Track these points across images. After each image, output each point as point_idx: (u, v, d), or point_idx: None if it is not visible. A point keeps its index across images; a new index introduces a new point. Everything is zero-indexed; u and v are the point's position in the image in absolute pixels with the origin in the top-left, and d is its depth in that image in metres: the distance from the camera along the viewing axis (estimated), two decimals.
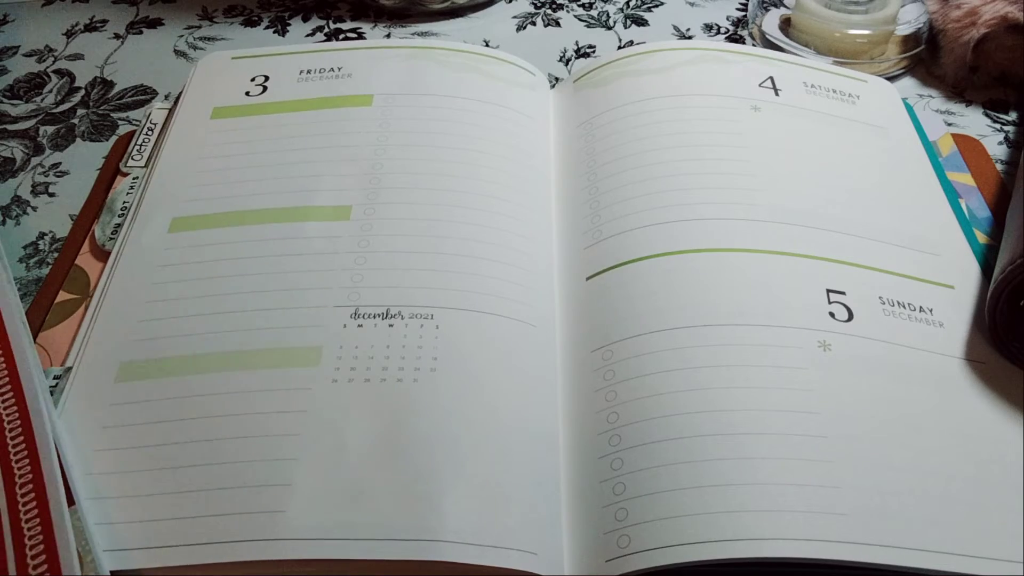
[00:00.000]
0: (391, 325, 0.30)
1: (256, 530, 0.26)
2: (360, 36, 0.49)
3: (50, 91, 0.46)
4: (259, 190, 0.35)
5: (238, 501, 0.26)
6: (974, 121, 0.42)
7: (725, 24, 0.50)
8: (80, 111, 0.44)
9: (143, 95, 0.45)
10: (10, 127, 0.43)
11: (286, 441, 0.28)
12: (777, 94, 0.39)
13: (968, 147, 0.39)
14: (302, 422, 0.28)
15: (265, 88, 0.40)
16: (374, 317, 0.31)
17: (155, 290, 0.32)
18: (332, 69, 0.41)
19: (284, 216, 0.34)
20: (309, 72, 0.41)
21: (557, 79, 0.45)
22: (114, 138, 0.43)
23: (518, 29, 0.50)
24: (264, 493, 0.26)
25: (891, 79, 0.44)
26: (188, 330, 0.31)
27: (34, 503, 0.26)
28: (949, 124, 0.42)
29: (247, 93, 0.40)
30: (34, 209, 0.39)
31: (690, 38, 0.49)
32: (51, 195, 0.40)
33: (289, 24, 0.50)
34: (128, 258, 0.34)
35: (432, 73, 0.40)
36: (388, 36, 0.49)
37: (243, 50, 0.43)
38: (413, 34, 0.49)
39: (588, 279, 0.33)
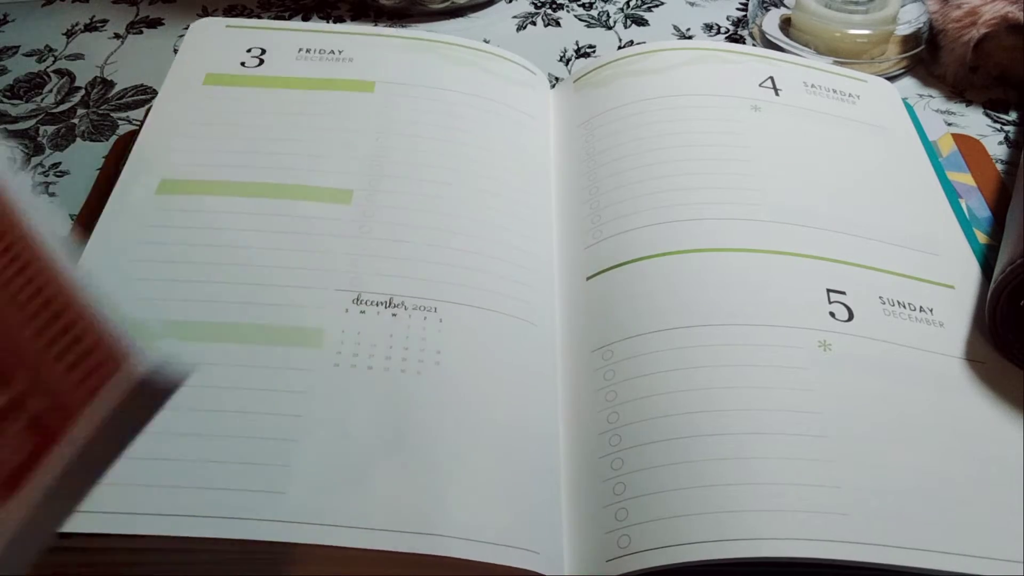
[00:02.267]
0: (394, 315, 0.30)
1: (254, 508, 0.25)
2: None
3: (50, 91, 0.46)
4: (254, 163, 0.35)
5: (234, 476, 0.26)
6: (974, 121, 0.42)
7: (725, 24, 0.50)
8: (80, 111, 0.44)
9: (143, 95, 0.45)
10: (10, 127, 0.43)
11: (285, 421, 0.27)
12: (777, 94, 0.39)
13: (968, 147, 0.39)
14: (302, 403, 0.28)
15: (262, 61, 0.39)
16: (377, 305, 0.30)
17: (142, 250, 0.31)
18: (332, 51, 0.40)
19: (281, 192, 0.34)
20: (308, 51, 0.40)
21: (557, 79, 0.45)
22: (114, 138, 0.43)
23: (518, 29, 0.50)
24: (262, 471, 0.26)
25: (891, 79, 0.44)
26: (180, 296, 0.30)
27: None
28: (949, 124, 0.42)
29: (242, 64, 0.39)
30: None
31: (690, 38, 0.49)
32: (51, 195, 0.40)
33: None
34: (111, 216, 0.33)
35: (434, 66, 0.40)
36: None
37: (239, 19, 0.42)
38: None
39: (588, 279, 0.33)
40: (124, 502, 0.25)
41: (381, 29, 0.42)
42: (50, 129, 0.43)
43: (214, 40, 0.40)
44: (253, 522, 0.25)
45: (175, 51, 0.48)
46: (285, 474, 0.26)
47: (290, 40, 0.40)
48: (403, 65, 0.39)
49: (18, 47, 0.49)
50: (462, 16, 0.51)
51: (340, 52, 0.40)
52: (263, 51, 0.40)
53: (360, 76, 0.39)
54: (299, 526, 0.25)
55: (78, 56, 0.48)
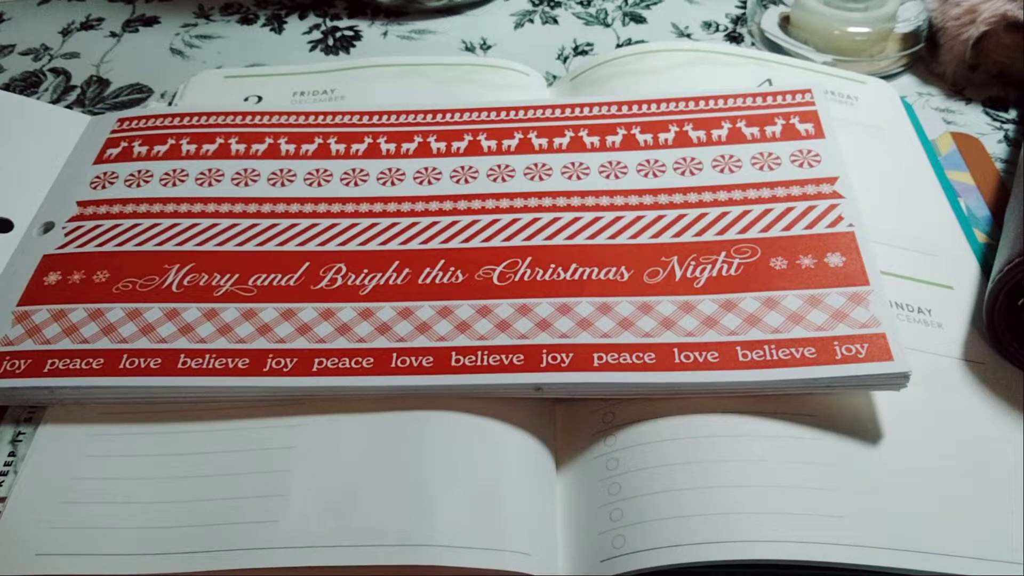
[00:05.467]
0: None
1: (249, 540, 0.26)
2: (357, 34, 0.49)
3: (46, 90, 0.45)
4: None
5: (232, 512, 0.26)
6: (973, 119, 0.42)
7: (724, 22, 0.49)
8: (76, 110, 0.44)
9: (139, 93, 0.45)
10: None
11: (279, 454, 0.28)
12: None
13: (967, 145, 0.39)
14: (296, 435, 0.28)
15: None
16: None
17: None
18: (325, 91, 0.41)
19: None
20: (302, 94, 0.41)
21: (555, 77, 0.45)
22: None
23: (516, 27, 0.49)
24: (259, 504, 0.26)
25: (890, 77, 0.44)
26: None
27: None
28: (948, 123, 0.41)
29: None
30: None
31: (689, 36, 0.48)
32: None
33: (285, 22, 0.50)
34: None
35: (425, 91, 0.40)
36: (385, 35, 0.49)
37: (235, 69, 0.43)
38: (411, 31, 0.49)
39: None
40: (135, 544, 0.26)
41: (370, 60, 0.43)
42: None
43: (213, 91, 0.41)
44: (245, 552, 0.25)
45: (171, 50, 0.48)
46: (280, 504, 0.26)
47: (284, 84, 0.41)
48: (392, 95, 0.40)
49: (14, 45, 0.49)
50: (459, 14, 0.50)
51: (332, 91, 0.41)
52: (260, 98, 0.41)
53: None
54: (291, 551, 0.25)
55: (74, 55, 0.48)
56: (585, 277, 0.30)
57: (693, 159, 0.34)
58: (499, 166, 0.34)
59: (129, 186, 0.35)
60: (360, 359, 0.28)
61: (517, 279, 0.30)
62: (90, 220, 0.34)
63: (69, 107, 0.44)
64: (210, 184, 0.35)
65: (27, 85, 0.46)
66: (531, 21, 0.50)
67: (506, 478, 0.27)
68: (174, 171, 0.35)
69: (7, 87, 0.45)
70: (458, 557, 0.25)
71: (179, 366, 0.29)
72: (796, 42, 0.45)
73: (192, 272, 0.31)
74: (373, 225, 0.33)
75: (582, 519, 0.27)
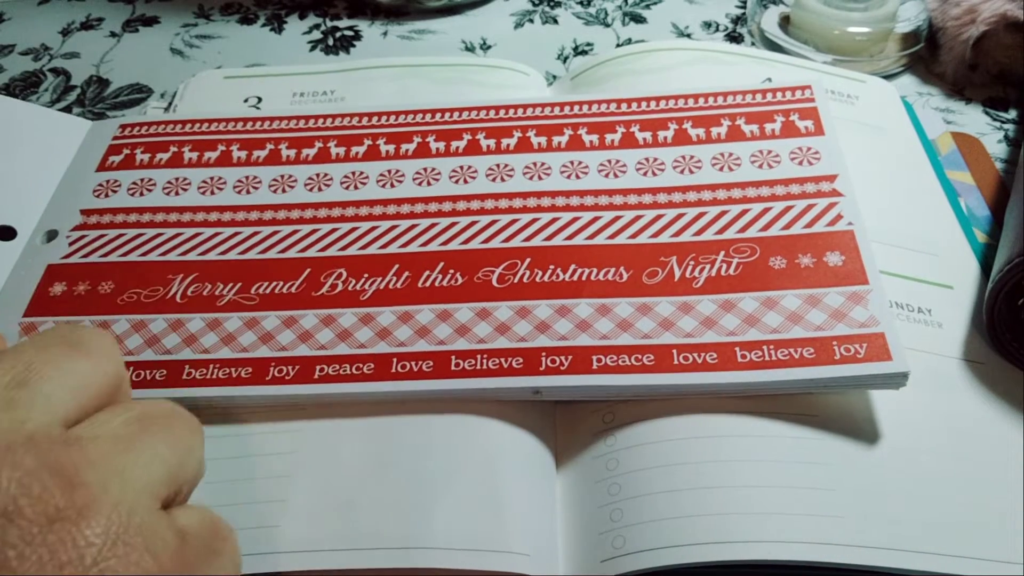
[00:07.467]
0: None
1: (251, 545, 0.25)
2: (357, 34, 0.49)
3: (46, 90, 0.45)
4: None
5: (233, 518, 0.26)
6: (974, 119, 0.42)
7: (724, 22, 0.49)
8: (76, 110, 0.44)
9: (139, 93, 0.45)
10: None
11: (280, 460, 0.28)
12: None
13: (967, 145, 0.39)
14: (297, 440, 0.28)
15: (258, 110, 0.40)
16: None
17: None
18: (325, 92, 0.41)
19: None
20: (302, 95, 0.41)
21: (555, 77, 0.45)
22: None
23: (516, 26, 0.49)
24: (260, 510, 0.26)
25: (890, 77, 0.44)
26: None
27: None
28: (949, 122, 0.41)
29: None
30: None
31: (689, 36, 0.48)
32: None
33: (285, 22, 0.50)
34: None
35: (423, 91, 0.40)
36: (385, 35, 0.49)
37: (235, 69, 0.43)
38: (411, 31, 0.49)
39: None
40: None
41: (370, 61, 0.43)
42: None
43: (212, 92, 0.41)
44: (247, 557, 0.25)
45: (171, 50, 0.48)
46: (281, 508, 0.26)
47: (284, 85, 0.41)
48: (392, 97, 0.40)
49: (14, 45, 0.49)
50: (459, 14, 0.50)
51: (332, 92, 0.41)
52: (259, 99, 0.41)
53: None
54: (291, 555, 0.25)
55: (74, 55, 0.48)
56: (584, 278, 0.30)
57: (692, 157, 0.34)
58: (498, 165, 0.34)
59: (132, 195, 0.35)
60: (361, 365, 0.28)
61: (516, 281, 0.30)
62: (94, 229, 0.34)
63: (69, 107, 0.44)
64: (212, 192, 0.35)
65: (27, 85, 0.46)
66: (531, 21, 0.50)
67: (506, 479, 0.27)
68: (177, 179, 0.35)
69: (7, 87, 0.45)
70: (458, 559, 0.25)
71: (183, 377, 0.29)
72: (796, 42, 0.45)
73: (195, 282, 0.31)
74: (373, 228, 0.33)
75: (582, 519, 0.27)
